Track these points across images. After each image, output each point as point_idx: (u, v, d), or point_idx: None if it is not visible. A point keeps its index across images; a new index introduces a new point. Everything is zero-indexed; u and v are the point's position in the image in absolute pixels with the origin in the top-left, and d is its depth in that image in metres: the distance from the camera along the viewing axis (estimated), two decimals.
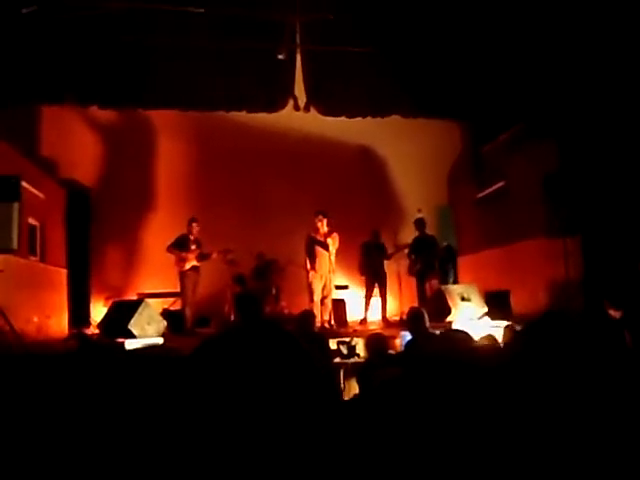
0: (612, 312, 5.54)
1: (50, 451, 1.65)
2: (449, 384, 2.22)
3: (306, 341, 1.47)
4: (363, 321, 10.73)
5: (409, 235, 11.24)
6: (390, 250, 10.91)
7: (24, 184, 7.61)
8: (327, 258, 9.62)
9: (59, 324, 9.84)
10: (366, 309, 10.83)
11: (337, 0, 9.72)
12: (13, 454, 1.68)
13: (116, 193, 11.77)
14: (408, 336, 6.27)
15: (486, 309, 8.95)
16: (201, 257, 9.75)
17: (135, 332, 7.61)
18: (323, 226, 9.68)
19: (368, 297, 10.83)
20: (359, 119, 11.28)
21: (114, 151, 12.14)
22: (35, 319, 8.55)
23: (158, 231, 11.27)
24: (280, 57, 9.96)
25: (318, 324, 8.89)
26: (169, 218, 11.29)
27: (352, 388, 6.50)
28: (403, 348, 6.34)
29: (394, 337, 7.54)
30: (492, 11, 9.42)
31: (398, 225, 12.16)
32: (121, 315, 8.04)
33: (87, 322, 10.68)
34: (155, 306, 8.88)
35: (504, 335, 5.87)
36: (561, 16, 8.82)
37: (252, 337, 1.46)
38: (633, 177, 8.32)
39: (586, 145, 8.70)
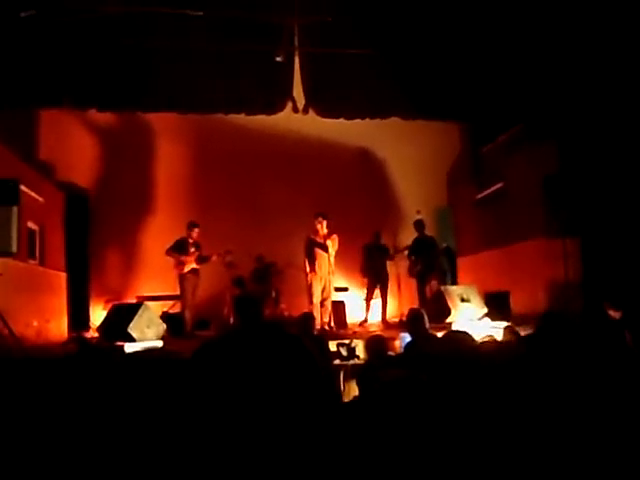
0: (612, 313, 5.55)
1: (49, 454, 1.66)
2: (456, 385, 2.23)
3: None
4: (363, 322, 10.74)
5: (408, 236, 11.24)
6: (391, 251, 10.93)
7: (23, 188, 7.62)
8: (327, 260, 9.61)
9: (58, 328, 9.84)
10: (367, 310, 10.85)
11: (335, 2, 9.74)
12: (12, 457, 1.68)
13: (115, 196, 11.79)
14: (408, 338, 6.26)
15: (486, 310, 8.95)
16: (200, 260, 9.74)
17: (135, 335, 7.61)
18: (323, 228, 9.67)
19: (369, 299, 10.86)
20: (358, 121, 11.29)
21: (113, 154, 12.16)
22: (35, 323, 8.55)
23: (157, 234, 11.28)
24: (278, 59, 9.97)
25: (318, 326, 8.90)
26: (168, 221, 11.31)
27: (352, 390, 6.49)
28: (403, 350, 6.33)
29: (394, 339, 7.53)
30: (491, 12, 9.44)
31: (397, 227, 12.18)
32: (120, 318, 8.04)
33: (86, 325, 10.68)
34: (155, 309, 8.88)
35: (504, 336, 5.88)
36: (561, 17, 8.84)
37: (253, 340, 1.46)
38: (633, 178, 8.34)
39: (586, 146, 8.72)
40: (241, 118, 11.15)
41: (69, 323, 10.35)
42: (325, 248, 9.58)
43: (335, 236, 9.66)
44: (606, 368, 2.51)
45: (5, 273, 6.98)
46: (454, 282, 11.56)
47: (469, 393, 2.17)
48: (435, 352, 3.69)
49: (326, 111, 10.89)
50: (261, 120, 11.17)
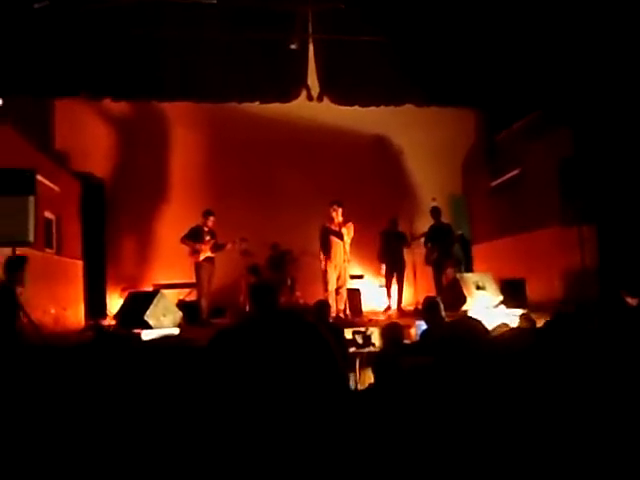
0: (629, 300, 5.52)
1: (66, 441, 1.67)
2: (465, 374, 2.22)
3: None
4: (387, 309, 10.74)
5: (424, 224, 11.21)
6: (408, 239, 10.90)
7: (39, 177, 7.66)
8: (342, 248, 9.59)
9: (76, 316, 9.92)
10: (389, 297, 10.85)
11: None
12: (28, 445, 1.70)
13: (130, 184, 11.85)
14: (423, 325, 6.27)
15: (501, 297, 8.93)
16: (215, 248, 9.77)
17: (151, 323, 7.67)
18: (338, 216, 9.65)
19: (389, 285, 10.85)
20: (372, 108, 11.24)
21: (128, 143, 12.22)
22: (52, 311, 8.62)
23: (173, 222, 11.32)
24: (292, 47, 9.92)
25: (333, 314, 8.91)
26: (183, 209, 11.34)
27: (367, 377, 6.50)
28: (418, 337, 6.34)
29: (409, 326, 7.52)
30: None
31: (413, 214, 12.13)
32: (137, 306, 8.10)
33: (103, 313, 10.76)
34: (170, 297, 8.94)
35: (519, 323, 5.86)
36: (578, 2, 8.73)
37: (269, 327, 1.46)
38: None
39: (602, 132, 8.63)
40: (255, 106, 11.12)
41: (86, 311, 10.43)
42: (340, 236, 9.57)
43: (350, 224, 9.65)
44: (622, 358, 2.49)
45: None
46: (469, 270, 11.53)
47: (478, 383, 2.16)
48: (446, 339, 3.69)
49: (340, 99, 10.84)
50: (275, 108, 11.14)
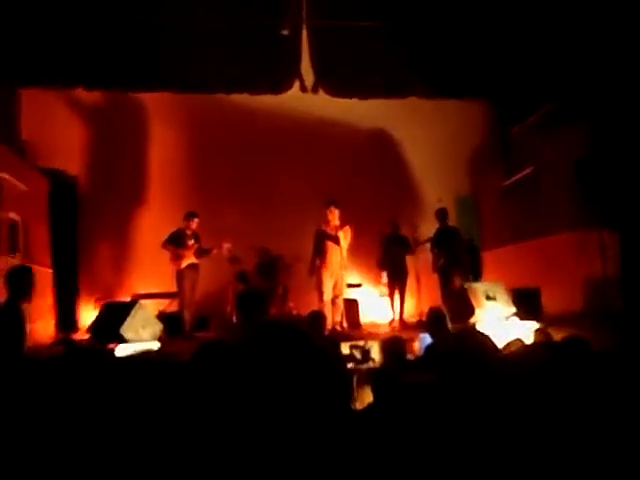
0: None
1: (33, 459, 1.65)
2: (472, 393, 2.21)
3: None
4: (392, 321, 10.71)
5: (429, 228, 11.20)
6: (411, 244, 10.86)
7: (2, 174, 7.62)
8: (338, 253, 9.57)
9: (45, 329, 9.85)
10: (393, 308, 10.83)
11: None
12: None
13: (105, 184, 11.81)
14: (428, 339, 6.26)
15: (514, 309, 8.91)
16: (200, 253, 9.75)
17: (128, 337, 7.63)
18: (334, 218, 9.62)
19: (393, 295, 10.81)
20: (372, 101, 11.25)
21: (102, 137, 12.15)
22: None
23: (153, 225, 11.28)
24: (284, 33, 9.92)
25: (329, 326, 8.89)
26: (165, 211, 11.29)
27: (366, 396, 6.49)
28: (423, 352, 6.33)
29: (412, 340, 7.52)
30: None
31: (416, 217, 12.12)
32: (113, 318, 8.06)
33: (75, 326, 10.72)
34: (150, 308, 8.91)
35: (535, 339, 5.85)
36: None
37: (258, 341, 1.44)
38: None
39: (625, 127, 8.64)
40: (244, 98, 11.11)
41: (56, 324, 10.36)
42: (337, 240, 9.54)
43: (348, 227, 9.61)
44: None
45: None
46: (478, 278, 11.52)
47: (486, 405, 2.16)
48: (452, 354, 3.68)
49: (337, 90, 10.83)
50: (266, 100, 11.14)
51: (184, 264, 9.61)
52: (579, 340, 3.56)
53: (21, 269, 6.40)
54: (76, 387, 1.93)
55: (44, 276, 10.26)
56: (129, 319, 7.78)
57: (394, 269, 10.73)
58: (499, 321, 8.52)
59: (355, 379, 6.99)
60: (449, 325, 6.08)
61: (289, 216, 11.54)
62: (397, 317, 10.78)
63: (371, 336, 8.64)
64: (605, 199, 8.61)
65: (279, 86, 10.63)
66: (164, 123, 12.44)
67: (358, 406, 6.20)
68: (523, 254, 10.80)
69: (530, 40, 9.79)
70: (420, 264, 11.02)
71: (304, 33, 10.38)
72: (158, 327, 8.27)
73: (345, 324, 9.92)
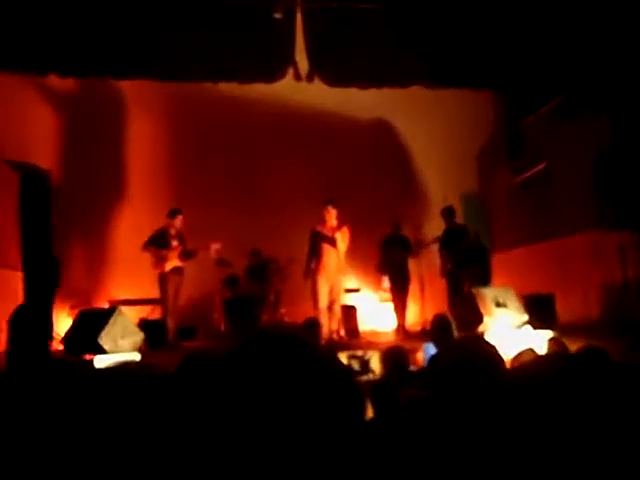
0: None
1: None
2: (479, 409, 2.21)
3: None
4: (399, 329, 10.72)
5: (432, 228, 11.22)
6: (413, 246, 10.84)
7: None
8: (335, 256, 9.55)
9: None
10: (396, 315, 10.80)
11: None
12: None
13: (81, 179, 11.75)
14: (432, 349, 6.27)
15: (526, 317, 8.91)
16: (184, 255, 9.71)
17: (106, 347, 7.60)
18: (332, 218, 9.59)
19: (395, 300, 10.79)
20: (372, 91, 11.27)
21: (78, 129, 12.09)
22: None
23: (133, 224, 11.24)
24: (277, 17, 9.92)
25: (325, 335, 8.89)
26: (146, 209, 11.27)
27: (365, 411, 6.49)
28: (426, 363, 6.33)
29: (416, 350, 7.53)
30: None
31: (419, 216, 12.14)
32: (89, 327, 8.02)
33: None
34: (130, 315, 8.87)
35: (548, 349, 5.85)
36: None
37: (249, 351, 1.44)
38: None
39: None
40: (233, 88, 11.13)
41: None
42: (334, 242, 9.51)
43: (345, 228, 9.57)
44: None
45: None
46: (487, 283, 11.52)
47: (494, 420, 2.16)
48: (456, 367, 3.68)
49: (334, 79, 10.85)
50: (257, 90, 11.16)
51: (167, 267, 9.58)
52: (597, 350, 3.53)
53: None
54: (48, 403, 1.92)
55: (13, 280, 10.22)
56: (107, 328, 7.75)
57: (395, 273, 10.71)
58: (510, 330, 8.52)
59: None
60: (455, 333, 6.07)
61: (282, 215, 11.54)
62: (387, 326, 10.79)
63: (371, 346, 8.63)
64: (625, 198, 8.62)
65: (271, 74, 10.65)
66: (145, 113, 12.41)
67: None
68: (536, 257, 10.81)
69: (542, 25, 9.79)
70: (424, 268, 11.02)
71: (298, 17, 10.39)
72: (139, 336, 8.23)
73: (342, 332, 9.92)
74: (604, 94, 9.13)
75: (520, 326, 8.74)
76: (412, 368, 6.07)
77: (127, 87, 12.03)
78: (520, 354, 4.79)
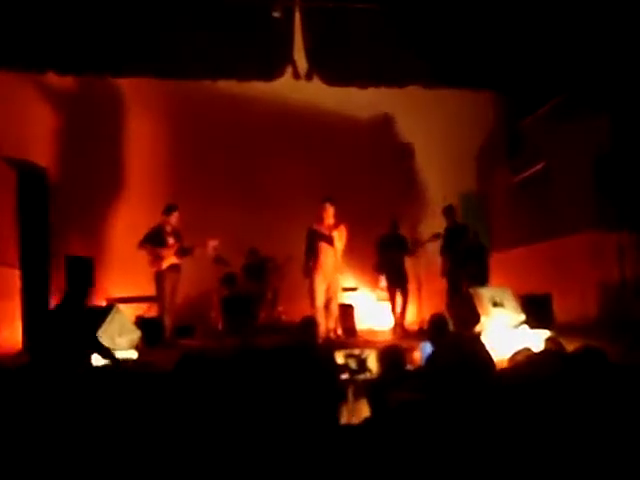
0: None
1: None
2: (472, 410, 2.22)
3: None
4: (396, 328, 10.72)
5: (430, 227, 11.22)
6: (409, 245, 10.84)
7: None
8: (332, 255, 9.55)
9: (12, 337, 9.81)
10: (394, 314, 10.82)
11: None
12: None
13: (79, 177, 11.73)
14: (429, 348, 6.27)
15: (523, 316, 8.93)
16: (181, 253, 9.69)
17: (105, 344, 7.62)
18: (329, 216, 9.58)
19: (393, 299, 10.81)
20: (371, 90, 11.27)
21: (76, 127, 12.08)
22: None
23: (131, 222, 11.21)
24: (275, 15, 9.92)
25: (322, 334, 8.89)
26: (144, 207, 11.23)
27: (362, 409, 6.51)
28: (423, 362, 6.35)
29: (413, 349, 7.54)
30: None
31: (417, 215, 12.15)
32: (88, 325, 8.04)
33: None
34: (127, 313, 8.88)
35: (545, 349, 5.86)
36: None
37: (247, 350, 1.46)
38: None
39: None
40: (232, 86, 11.13)
41: (24, 331, 10.31)
42: (331, 240, 9.51)
43: (343, 226, 9.56)
44: None
45: None
46: (484, 283, 11.53)
47: (488, 419, 2.16)
48: (451, 366, 3.69)
49: (333, 78, 10.85)
50: (256, 88, 11.16)
51: (164, 265, 9.57)
52: (594, 350, 3.52)
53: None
54: (45, 400, 1.93)
55: (11, 277, 10.21)
56: (105, 325, 7.75)
57: (393, 272, 10.71)
58: (507, 330, 8.54)
59: (351, 391, 7.02)
60: (451, 333, 6.09)
61: (281, 213, 11.55)
62: (385, 325, 10.79)
63: (368, 344, 8.63)
64: (625, 198, 8.63)
65: (270, 73, 10.66)
66: (144, 111, 12.40)
67: (354, 420, 6.22)
68: (533, 257, 10.82)
69: (541, 25, 9.79)
70: (422, 267, 11.01)
71: (297, 16, 10.40)
72: (136, 334, 8.24)
73: (340, 331, 9.90)
74: (604, 94, 9.13)
75: (517, 326, 8.76)
76: (409, 367, 6.08)
77: (126, 85, 12.02)
78: (517, 353, 4.80)
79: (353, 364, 7.54)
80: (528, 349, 5.04)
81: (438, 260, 10.91)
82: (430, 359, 5.61)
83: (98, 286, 11.70)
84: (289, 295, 11.22)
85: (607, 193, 8.83)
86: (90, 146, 11.93)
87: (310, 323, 7.31)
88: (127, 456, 1.60)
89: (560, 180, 10.18)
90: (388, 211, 11.32)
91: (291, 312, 10.80)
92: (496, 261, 12.15)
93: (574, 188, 9.65)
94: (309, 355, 1.53)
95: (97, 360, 7.17)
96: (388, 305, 10.93)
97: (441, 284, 10.82)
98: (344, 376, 7.25)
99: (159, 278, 9.63)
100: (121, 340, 7.85)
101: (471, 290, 9.52)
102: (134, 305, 10.69)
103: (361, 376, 7.35)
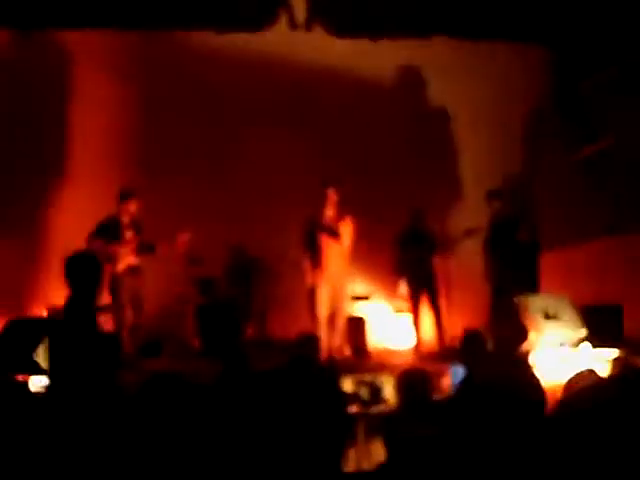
0: None
1: None
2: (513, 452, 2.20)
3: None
4: (416, 347, 10.71)
5: (463, 219, 11.22)
6: (442, 241, 10.81)
7: None
8: (338, 253, 9.54)
9: None
10: (416, 328, 10.80)
11: None
12: None
13: (11, 153, 11.70)
14: (462, 373, 6.27)
15: (584, 332, 8.92)
16: (141, 250, 9.65)
17: (44, 365, 7.60)
18: (331, 206, 9.57)
19: (416, 311, 10.79)
20: (385, 42, 11.25)
21: (7, 92, 12.02)
22: None
23: (76, 212, 11.20)
24: None
25: (324, 353, 8.89)
26: (96, 192, 11.23)
27: (376, 451, 6.49)
28: (454, 391, 6.34)
29: (441, 374, 7.53)
30: None
31: (446, 204, 12.14)
32: (22, 340, 8.03)
33: None
34: None
35: (612, 371, 5.85)
36: None
37: (230, 373, 1.44)
38: None
39: None
40: (209, 38, 11.12)
41: None
42: (336, 235, 9.50)
43: (349, 218, 9.54)
44: None
45: None
46: (534, 289, 11.51)
47: (540, 464, 2.14)
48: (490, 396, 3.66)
49: (338, 27, 10.86)
50: (241, 41, 11.15)
51: (120, 266, 9.52)
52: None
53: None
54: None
55: None
56: (45, 342, 7.75)
57: (416, 276, 10.67)
58: (562, 349, 8.53)
59: (362, 428, 7.00)
60: (491, 354, 6.08)
61: (273, 201, 11.56)
62: (405, 343, 10.78)
63: (383, 368, 8.65)
64: None
65: (258, 21, 10.67)
66: (96, 73, 12.33)
67: (366, 466, 6.22)
68: (598, 257, 10.79)
69: None
70: (452, 270, 10.99)
71: None
72: None
73: (347, 350, 9.91)
74: None
75: (576, 344, 8.74)
76: (436, 397, 6.07)
77: (73, 40, 11.97)
78: (576, 377, 4.77)
79: (365, 393, 7.55)
80: (592, 372, 5.02)
81: (472, 261, 10.87)
82: (462, 386, 5.59)
83: (36, 292, 11.67)
84: (283, 304, 11.21)
85: None
86: (25, 115, 11.88)
87: (310, 340, 7.30)
88: None
89: (633, 160, 10.15)
90: (408, 199, 11.31)
91: (286, 326, 10.77)
92: (548, 262, 12.13)
93: None
94: (308, 380, 1.51)
95: (36, 384, 7.15)
96: (409, 318, 10.91)
97: (475, 292, 10.81)
98: (353, 408, 7.25)
99: (114, 283, 9.55)
100: None
101: (516, 299, 9.49)
102: None
103: (375, 408, 7.36)
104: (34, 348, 7.67)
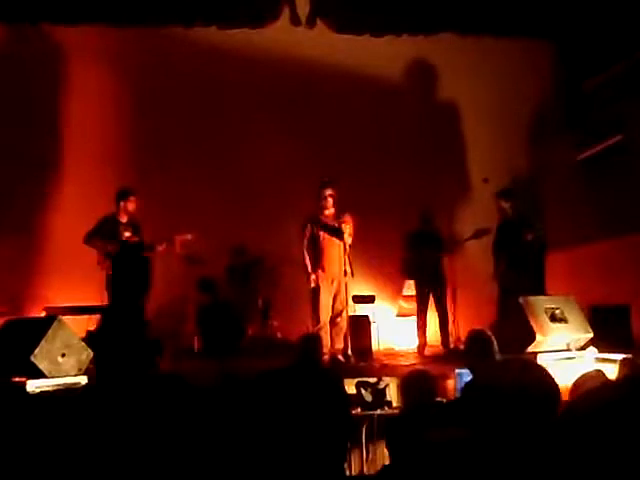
0: None
1: None
2: (527, 451, 2.20)
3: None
4: (421, 348, 10.72)
5: (470, 220, 11.21)
6: (450, 242, 10.81)
7: None
8: (339, 253, 9.52)
9: None
10: (421, 330, 10.82)
11: None
12: None
13: (5, 150, 11.68)
14: (467, 375, 6.26)
15: (591, 334, 8.91)
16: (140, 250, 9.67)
17: (43, 367, 7.59)
18: (331, 204, 9.57)
19: (422, 311, 10.81)
20: (390, 38, 11.25)
21: (3, 88, 12.02)
22: None
23: (74, 212, 11.20)
24: None
25: (326, 355, 8.88)
26: (91, 192, 11.23)
27: (380, 455, 6.50)
28: (459, 393, 6.34)
29: (446, 377, 7.53)
30: None
31: (452, 204, 12.14)
32: (19, 341, 8.02)
33: None
34: (74, 327, 8.87)
35: (619, 372, 5.85)
36: None
37: (229, 376, 1.44)
38: None
39: None
40: (210, 34, 11.13)
41: None
42: (338, 234, 9.49)
43: (349, 217, 9.52)
44: None
45: None
46: (540, 290, 11.50)
47: (547, 466, 2.15)
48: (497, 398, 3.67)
49: (342, 24, 10.86)
50: (243, 37, 11.16)
51: None
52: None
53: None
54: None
55: None
56: (43, 343, 7.73)
57: (426, 277, 10.66)
58: (570, 351, 8.53)
59: (365, 430, 7.00)
60: (497, 355, 6.06)
61: (274, 199, 11.58)
62: (409, 344, 10.78)
63: (387, 370, 8.64)
64: None
65: (260, 17, 10.68)
66: (92, 69, 12.33)
67: (369, 469, 6.23)
68: (606, 257, 10.77)
69: None
70: (458, 271, 10.98)
71: None
72: (85, 354, 8.22)
73: (350, 353, 9.90)
74: None
75: (583, 346, 8.74)
76: (441, 399, 6.07)
77: (69, 35, 11.95)
78: (583, 378, 4.78)
79: (368, 395, 7.56)
80: (599, 372, 5.02)
81: (478, 262, 10.88)
82: (468, 389, 5.59)
83: (34, 292, 11.67)
84: (285, 305, 11.20)
85: None
86: (19, 111, 11.86)
87: (312, 341, 7.28)
88: None
89: None
90: (414, 198, 11.30)
91: (288, 327, 10.78)
92: (555, 262, 12.12)
93: None
94: (312, 383, 1.51)
95: (34, 386, 7.15)
96: (413, 319, 10.91)
97: (481, 292, 10.80)
98: (356, 411, 7.26)
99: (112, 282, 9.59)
100: (66, 362, 7.82)
101: (522, 300, 9.48)
102: (83, 317, 10.65)
103: (378, 411, 7.36)
104: (32, 349, 7.68)
